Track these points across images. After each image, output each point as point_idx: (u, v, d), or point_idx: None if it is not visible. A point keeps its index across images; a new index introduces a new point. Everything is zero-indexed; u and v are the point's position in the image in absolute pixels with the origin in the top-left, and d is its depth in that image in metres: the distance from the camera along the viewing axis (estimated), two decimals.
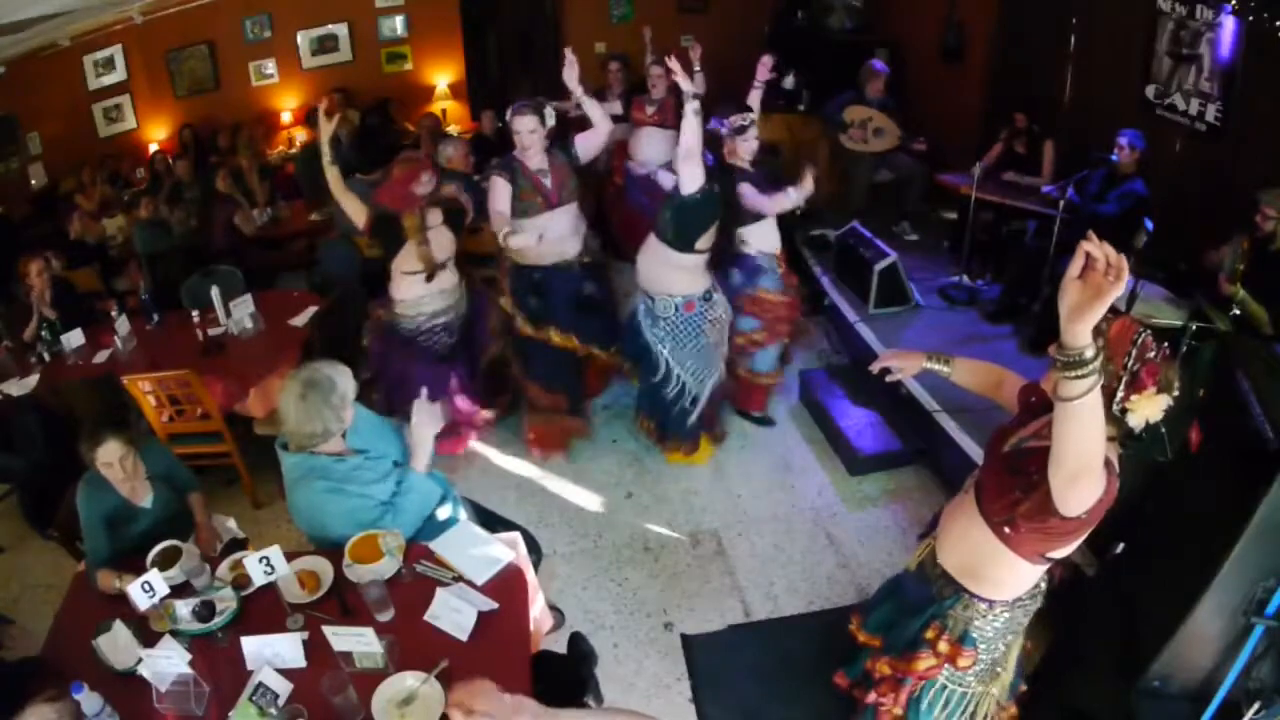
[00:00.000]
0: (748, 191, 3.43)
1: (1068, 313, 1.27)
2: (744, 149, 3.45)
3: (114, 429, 2.43)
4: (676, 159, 3.20)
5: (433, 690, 1.91)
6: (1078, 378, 1.30)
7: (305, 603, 2.19)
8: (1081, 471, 1.45)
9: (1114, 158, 4.16)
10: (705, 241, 3.34)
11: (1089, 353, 1.28)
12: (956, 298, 4.86)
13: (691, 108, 3.06)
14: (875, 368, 2.28)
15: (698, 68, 4.85)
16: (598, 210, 5.98)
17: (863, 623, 2.30)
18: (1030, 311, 4.42)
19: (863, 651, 2.31)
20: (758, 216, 3.54)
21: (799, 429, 4.14)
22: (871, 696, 2.21)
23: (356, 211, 3.35)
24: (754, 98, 3.74)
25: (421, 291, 3.51)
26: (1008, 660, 2.08)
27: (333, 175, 3.26)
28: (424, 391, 2.49)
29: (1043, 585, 1.96)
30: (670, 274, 3.40)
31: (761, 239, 3.68)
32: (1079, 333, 1.27)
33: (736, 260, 3.64)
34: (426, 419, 2.40)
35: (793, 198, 3.42)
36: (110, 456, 2.39)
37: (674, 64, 3.16)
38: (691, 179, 3.17)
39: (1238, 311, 3.33)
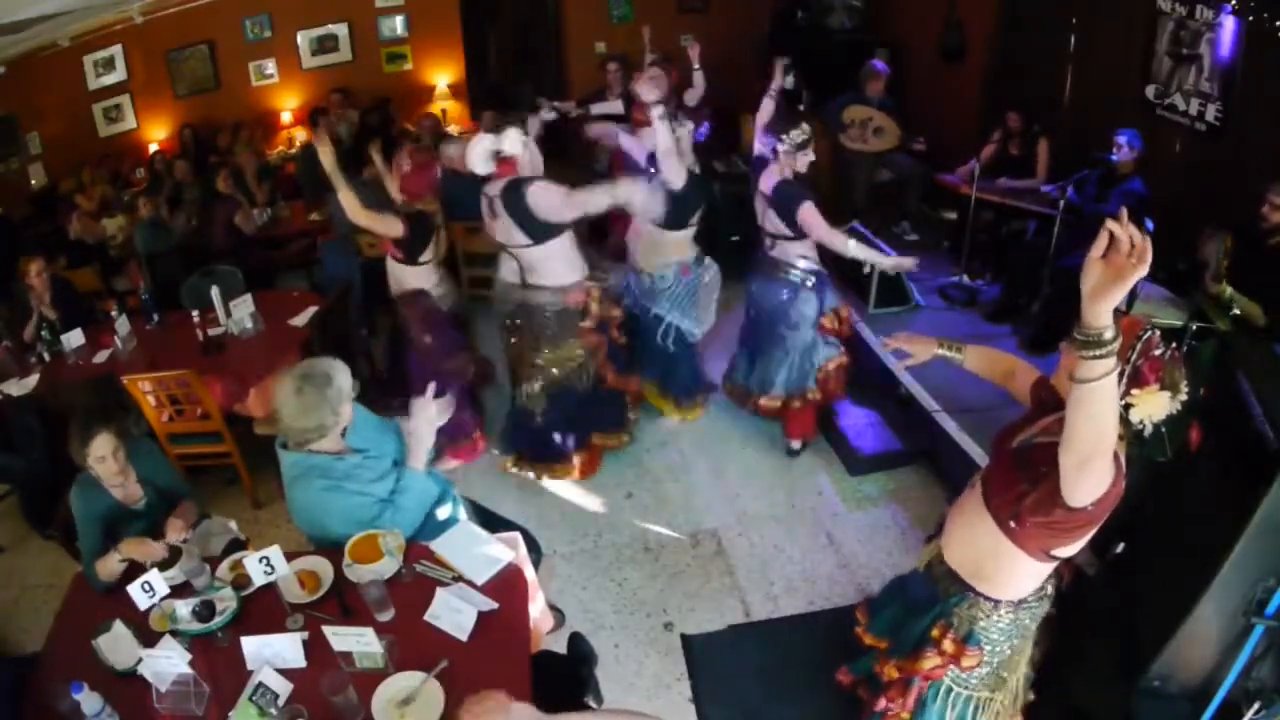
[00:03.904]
0: (813, 218, 3.34)
1: (1089, 292, 1.28)
2: (803, 163, 3.41)
3: (103, 422, 2.40)
4: (659, 158, 3.44)
5: (433, 690, 1.91)
6: (1096, 358, 1.31)
7: (305, 603, 2.18)
8: (1093, 456, 1.45)
9: (1113, 157, 4.17)
10: (695, 219, 3.69)
11: (1108, 334, 1.29)
12: (956, 298, 4.86)
13: (657, 113, 3.31)
14: (890, 346, 2.29)
15: (697, 67, 4.85)
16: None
17: (868, 624, 2.30)
18: (1030, 311, 4.42)
19: (868, 650, 2.31)
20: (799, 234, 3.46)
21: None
22: (880, 702, 2.20)
23: (390, 226, 3.43)
24: (767, 108, 3.75)
25: (438, 279, 3.71)
26: (1015, 667, 2.07)
27: (349, 201, 3.29)
28: (430, 388, 2.49)
29: (1049, 589, 1.96)
30: (666, 248, 3.74)
31: (808, 251, 3.57)
32: (1099, 312, 1.28)
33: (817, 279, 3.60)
34: (425, 417, 2.40)
35: (856, 252, 3.33)
36: (103, 450, 2.37)
37: (640, 83, 3.50)
38: (677, 175, 3.46)
39: (1236, 311, 3.33)
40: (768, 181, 3.45)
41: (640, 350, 3.98)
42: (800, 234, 3.44)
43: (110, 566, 2.28)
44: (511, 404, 3.81)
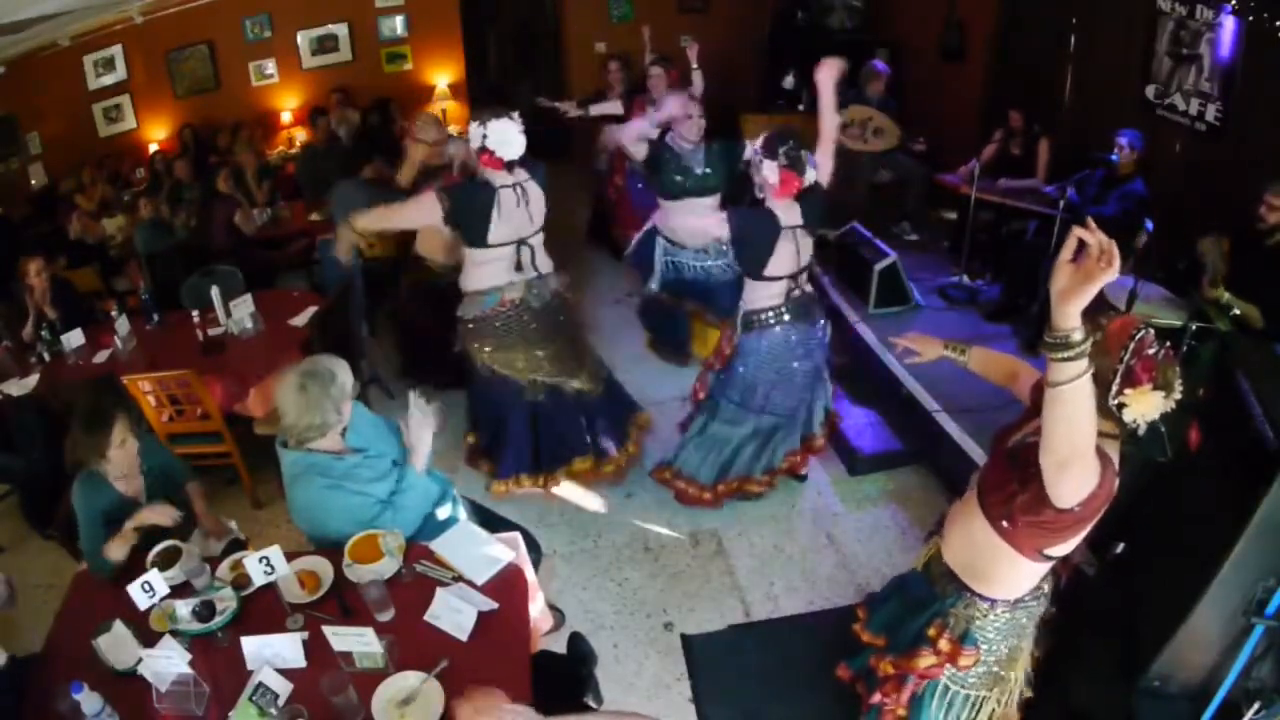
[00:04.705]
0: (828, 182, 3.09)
1: (1058, 295, 1.31)
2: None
3: (116, 408, 2.44)
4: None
5: (433, 690, 1.91)
6: (1065, 360, 1.33)
7: (305, 603, 2.19)
8: (1071, 459, 1.46)
9: (1113, 158, 4.17)
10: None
11: (1076, 335, 1.32)
12: (956, 298, 4.86)
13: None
14: (899, 346, 2.31)
15: (696, 67, 4.85)
16: (597, 211, 5.99)
17: (867, 622, 2.31)
18: (1030, 312, 4.42)
19: (867, 646, 2.32)
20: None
21: None
22: (876, 697, 2.21)
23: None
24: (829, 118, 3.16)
25: None
26: (1013, 665, 2.07)
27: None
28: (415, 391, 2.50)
29: (1046, 588, 1.96)
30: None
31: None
32: (1068, 314, 1.31)
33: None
34: (424, 418, 2.40)
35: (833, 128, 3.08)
36: (122, 433, 2.41)
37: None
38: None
39: (1236, 311, 3.33)
40: (794, 214, 3.01)
41: (699, 298, 4.29)
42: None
43: (124, 542, 2.30)
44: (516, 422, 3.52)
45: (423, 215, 3.08)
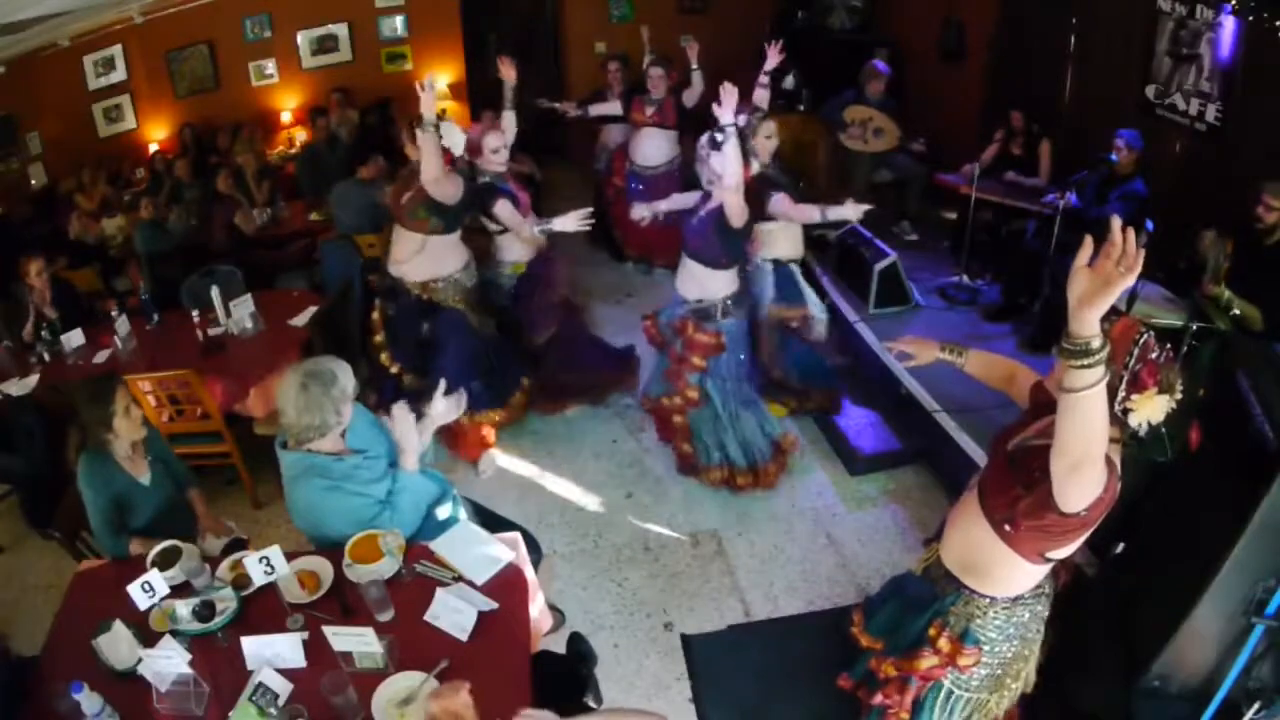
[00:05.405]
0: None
1: (1076, 301, 1.27)
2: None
3: (115, 383, 2.50)
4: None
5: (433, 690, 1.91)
6: (1084, 367, 1.31)
7: (305, 603, 2.19)
8: (1083, 462, 1.45)
9: (1112, 158, 4.17)
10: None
11: (1096, 342, 1.29)
12: (956, 298, 4.86)
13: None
14: (894, 350, 2.30)
15: (695, 67, 4.85)
16: (597, 211, 5.98)
17: (865, 625, 2.30)
18: (1030, 311, 4.42)
19: (865, 651, 2.31)
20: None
21: (799, 429, 4.13)
22: (878, 698, 2.21)
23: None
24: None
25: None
26: (1018, 674, 2.06)
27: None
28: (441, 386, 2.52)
29: (1046, 587, 1.96)
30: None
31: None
32: (1088, 321, 1.28)
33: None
34: (404, 419, 2.38)
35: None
36: (125, 399, 2.46)
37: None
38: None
39: (1236, 311, 3.33)
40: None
41: None
42: None
43: (149, 545, 2.34)
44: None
45: (447, 186, 3.47)
